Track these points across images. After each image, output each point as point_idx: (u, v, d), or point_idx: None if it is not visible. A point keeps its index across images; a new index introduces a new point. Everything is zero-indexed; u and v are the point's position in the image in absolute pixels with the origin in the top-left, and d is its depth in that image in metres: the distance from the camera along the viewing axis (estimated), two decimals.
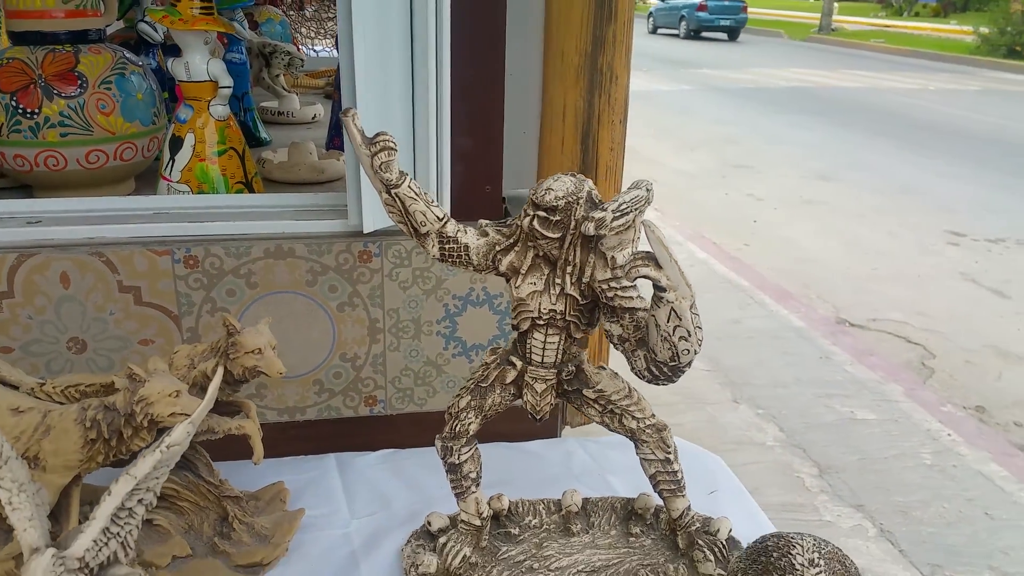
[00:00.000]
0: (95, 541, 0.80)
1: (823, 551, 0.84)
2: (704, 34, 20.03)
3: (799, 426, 3.62)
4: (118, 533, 0.82)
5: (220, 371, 0.93)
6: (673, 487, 1.14)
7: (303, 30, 5.64)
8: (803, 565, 0.81)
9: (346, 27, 1.34)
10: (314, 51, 5.34)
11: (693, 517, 1.17)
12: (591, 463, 1.46)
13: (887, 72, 15.74)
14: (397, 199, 1.00)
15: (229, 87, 1.66)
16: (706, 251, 5.90)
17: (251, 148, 2.25)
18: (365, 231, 1.48)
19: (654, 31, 21.15)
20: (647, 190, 1.01)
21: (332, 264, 1.53)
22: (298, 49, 3.59)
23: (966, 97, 12.65)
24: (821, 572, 0.81)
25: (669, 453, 1.11)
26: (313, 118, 3.00)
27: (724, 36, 20.06)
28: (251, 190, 1.75)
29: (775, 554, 0.85)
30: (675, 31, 20.40)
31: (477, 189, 1.60)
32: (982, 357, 4.27)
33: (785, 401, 3.85)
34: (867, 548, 2.71)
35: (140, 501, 0.84)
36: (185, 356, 1.14)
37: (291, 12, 5.38)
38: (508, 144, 1.63)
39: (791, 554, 0.83)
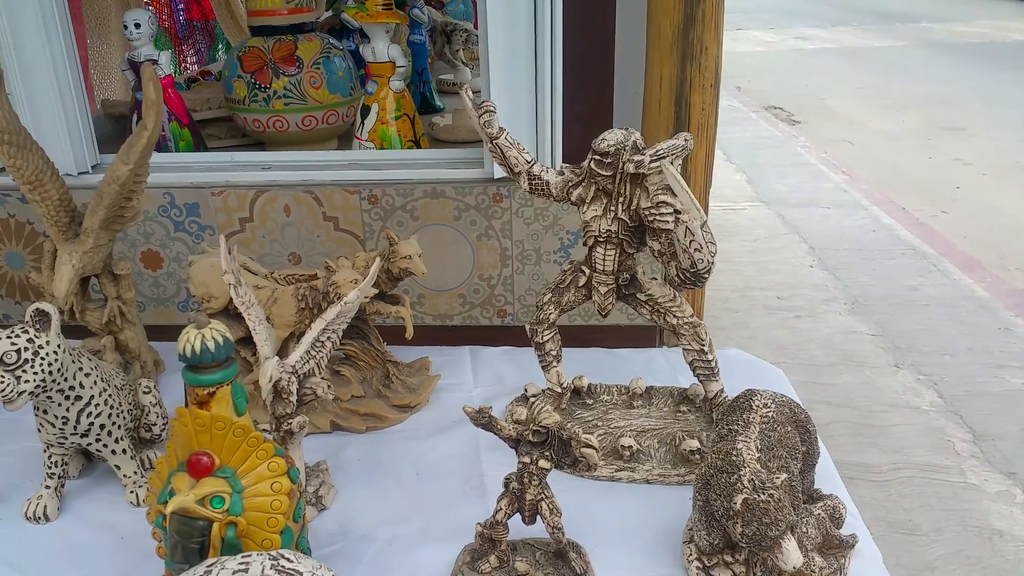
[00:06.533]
0: (300, 357, 1.29)
1: (777, 399, 1.16)
2: None
3: (960, 393, 3.44)
4: (314, 356, 1.32)
5: (378, 262, 1.39)
6: (707, 372, 1.48)
7: None
8: (758, 406, 1.14)
9: (483, 24, 1.76)
10: None
11: (725, 398, 1.50)
12: (666, 366, 1.81)
13: None
14: (497, 147, 1.42)
15: (404, 67, 2.14)
16: (892, 216, 5.50)
17: (427, 114, 2.76)
18: (495, 177, 1.91)
19: None
20: (686, 140, 1.35)
21: (473, 203, 1.97)
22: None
23: None
24: (771, 411, 1.13)
25: (703, 345, 1.46)
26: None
27: None
28: (418, 146, 2.24)
29: (741, 400, 1.19)
30: None
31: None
32: None
33: (950, 369, 3.64)
34: (1011, 513, 2.58)
35: (328, 338, 1.33)
36: (362, 259, 1.63)
37: None
38: (618, 107, 1.99)
39: (751, 399, 1.17)
